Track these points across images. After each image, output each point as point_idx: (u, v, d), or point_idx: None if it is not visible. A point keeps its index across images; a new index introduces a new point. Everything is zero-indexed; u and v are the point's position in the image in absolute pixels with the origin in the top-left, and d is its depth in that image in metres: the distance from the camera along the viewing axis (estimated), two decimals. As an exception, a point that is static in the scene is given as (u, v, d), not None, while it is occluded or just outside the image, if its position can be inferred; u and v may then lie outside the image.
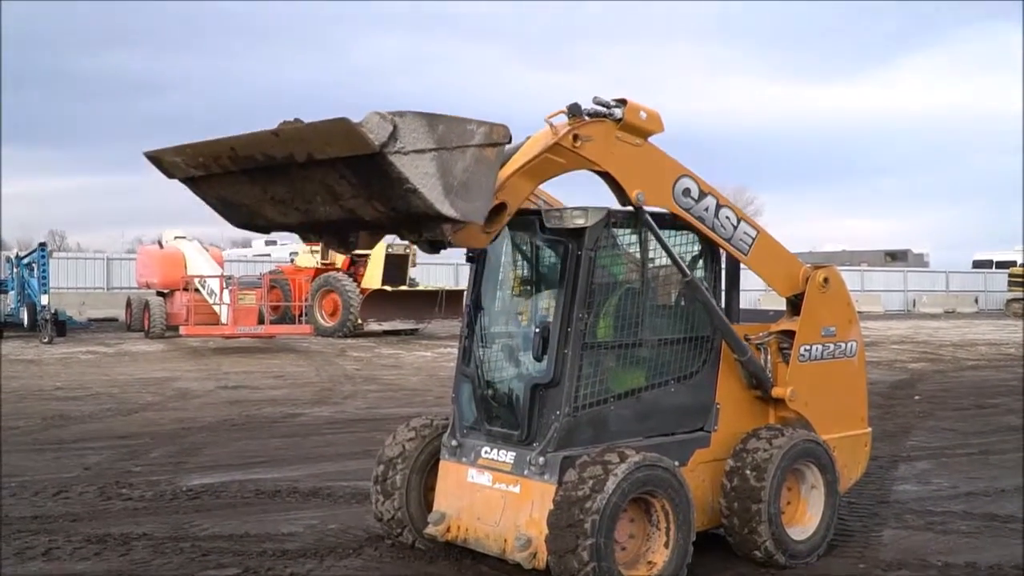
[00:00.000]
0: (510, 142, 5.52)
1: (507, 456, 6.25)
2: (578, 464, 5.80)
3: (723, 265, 7.01)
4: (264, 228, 6.21)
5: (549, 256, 6.54)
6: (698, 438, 6.75)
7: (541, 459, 6.02)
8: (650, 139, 6.44)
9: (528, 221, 6.41)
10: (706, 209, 6.69)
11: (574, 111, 6.03)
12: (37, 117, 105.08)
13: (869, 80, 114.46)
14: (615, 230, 6.33)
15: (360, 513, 7.89)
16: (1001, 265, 55.48)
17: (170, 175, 6.00)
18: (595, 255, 6.14)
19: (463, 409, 6.69)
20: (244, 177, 5.60)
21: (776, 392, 7.04)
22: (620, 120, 6.17)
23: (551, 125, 6.04)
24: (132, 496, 8.65)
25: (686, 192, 6.58)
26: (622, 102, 6.21)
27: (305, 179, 5.32)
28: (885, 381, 17.98)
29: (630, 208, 6.31)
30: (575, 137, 5.99)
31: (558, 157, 6.03)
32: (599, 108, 6.15)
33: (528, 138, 6.14)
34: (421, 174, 4.95)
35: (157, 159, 5.96)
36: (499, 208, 5.92)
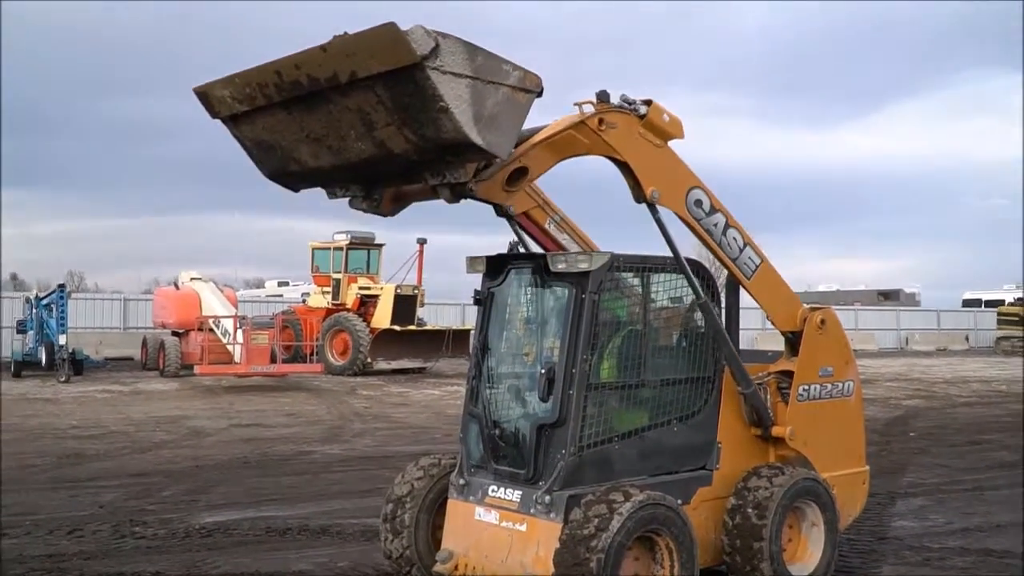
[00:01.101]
0: (541, 93, 5.54)
1: (514, 495, 6.18)
2: (583, 503, 5.74)
3: (723, 307, 6.98)
4: (296, 176, 6.16)
5: (554, 299, 6.51)
6: (700, 476, 6.69)
7: (547, 498, 5.96)
8: (670, 145, 6.53)
9: (534, 264, 6.41)
10: (715, 224, 6.73)
11: (602, 98, 6.16)
12: (55, 161, 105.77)
13: (860, 126, 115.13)
14: (618, 274, 6.33)
15: (369, 551, 7.82)
16: (990, 304, 55.46)
17: (214, 113, 6.03)
18: (599, 298, 6.12)
19: (470, 448, 6.64)
20: (283, 112, 5.64)
21: (776, 431, 6.98)
22: (644, 116, 6.27)
23: (580, 107, 6.14)
24: (145, 534, 8.58)
25: (698, 203, 6.62)
26: (648, 102, 6.33)
27: (342, 109, 5.35)
28: (880, 418, 17.87)
29: (643, 205, 6.32)
30: (600, 120, 6.10)
31: (582, 136, 6.13)
32: (625, 103, 6.25)
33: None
34: (455, 95, 4.98)
35: (204, 94, 5.99)
36: (521, 172, 6.09)
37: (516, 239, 6.97)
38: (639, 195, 6.32)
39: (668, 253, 6.43)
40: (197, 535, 8.57)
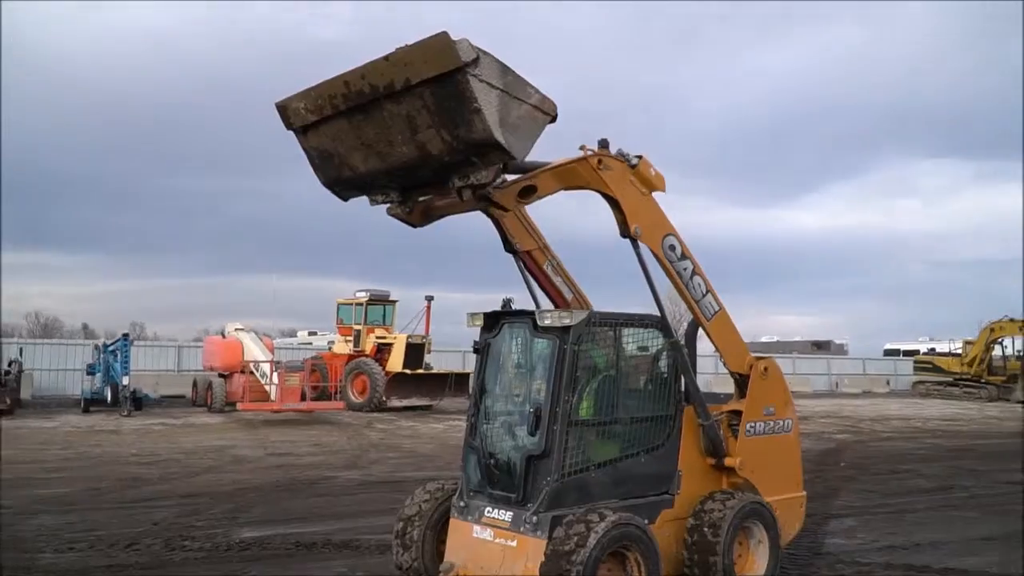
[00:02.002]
0: (555, 118, 5.65)
1: (506, 515, 6.14)
2: (565, 523, 5.71)
3: (684, 355, 6.99)
4: (347, 182, 6.19)
5: (541, 348, 6.52)
6: (664, 500, 6.65)
7: (534, 518, 5.92)
8: (654, 196, 6.67)
9: (524, 320, 6.44)
10: (684, 269, 6.80)
11: (603, 144, 6.33)
12: (125, 229, 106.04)
13: (798, 204, 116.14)
14: (594, 329, 6.35)
15: (384, 563, 7.70)
16: (908, 353, 55.46)
17: (289, 124, 6.11)
18: (578, 348, 6.14)
19: (469, 475, 6.60)
20: (344, 121, 5.74)
21: (728, 462, 6.97)
22: (634, 166, 6.41)
23: (584, 149, 6.27)
24: (193, 547, 8.46)
25: (672, 248, 6.70)
26: (639, 156, 6.47)
27: (393, 116, 5.45)
28: (815, 450, 17.77)
29: (627, 240, 6.45)
30: (599, 161, 6.24)
31: (583, 171, 6.26)
32: (620, 154, 6.41)
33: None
34: (486, 101, 5.11)
35: (284, 107, 6.08)
36: (531, 189, 6.24)
37: (508, 297, 6.99)
38: (624, 230, 6.43)
39: (632, 309, 6.48)
40: (237, 548, 8.45)
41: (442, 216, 6.55)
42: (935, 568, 7.97)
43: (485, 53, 5.09)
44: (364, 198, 6.39)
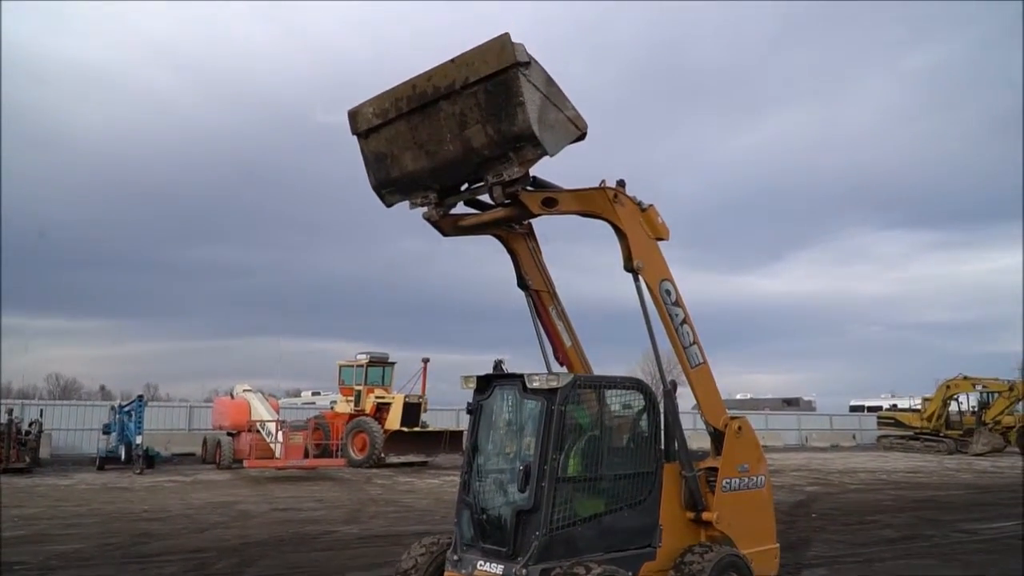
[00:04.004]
0: (585, 136, 5.82)
1: (497, 568, 6.05)
2: (553, 575, 5.61)
3: (675, 405, 6.93)
4: (395, 183, 6.35)
5: (530, 410, 6.51)
6: (646, 553, 6.57)
7: (524, 571, 5.83)
8: (659, 243, 6.81)
9: (514, 383, 6.42)
10: (676, 315, 6.86)
11: (620, 183, 6.54)
12: (141, 295, 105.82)
13: (766, 271, 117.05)
14: (580, 391, 6.34)
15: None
16: (872, 409, 55.35)
17: (355, 129, 6.33)
18: (565, 409, 6.12)
19: (463, 529, 6.51)
20: (403, 123, 5.95)
21: (706, 516, 6.91)
22: (644, 211, 6.62)
23: (603, 183, 6.48)
24: (200, 601, 8.25)
25: (667, 292, 6.77)
26: (651, 204, 6.70)
27: (448, 115, 5.66)
28: (787, 501, 17.58)
29: (629, 272, 6.60)
30: (616, 195, 6.44)
31: (599, 199, 6.45)
32: (634, 199, 6.64)
33: None
34: (530, 99, 5.35)
35: (354, 113, 6.31)
36: (553, 201, 6.35)
37: (499, 359, 7.00)
38: (628, 264, 6.55)
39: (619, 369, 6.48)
40: (241, 602, 8.25)
41: (469, 232, 6.74)
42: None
43: (536, 62, 5.40)
44: (404, 203, 6.57)
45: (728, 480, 7.18)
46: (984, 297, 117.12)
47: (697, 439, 7.75)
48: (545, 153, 5.62)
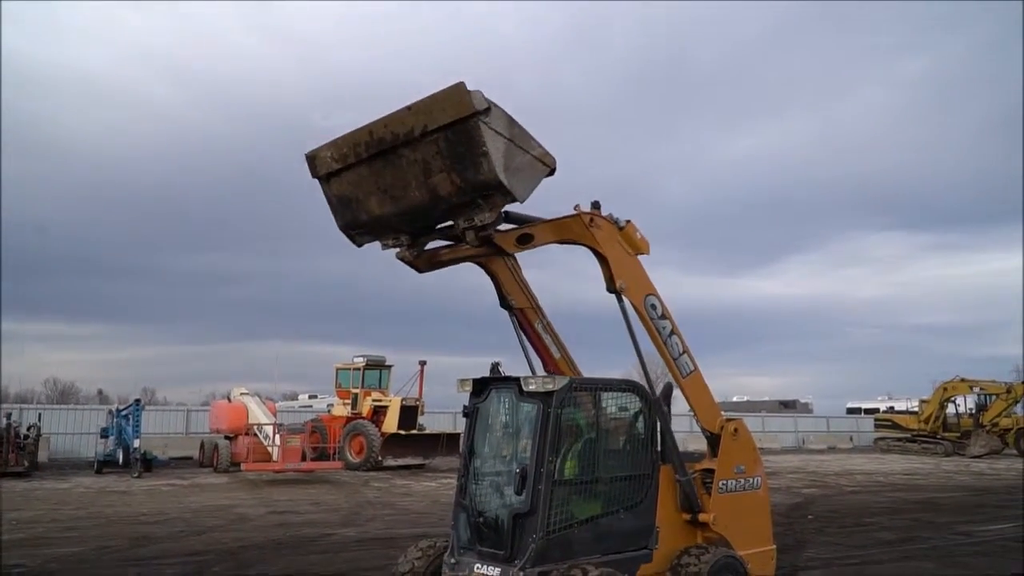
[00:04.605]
0: (554, 171, 5.74)
1: (494, 571, 6.05)
2: (550, 578, 5.61)
3: (665, 413, 6.97)
4: (363, 225, 6.22)
5: (526, 413, 6.52)
6: (643, 555, 6.57)
7: (521, 574, 5.84)
8: (639, 258, 6.73)
9: (510, 386, 6.43)
10: (663, 328, 6.82)
11: (595, 206, 6.42)
12: (140, 301, 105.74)
13: (763, 273, 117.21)
14: (576, 394, 6.34)
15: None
16: (868, 411, 55.34)
17: (315, 173, 6.17)
18: (561, 412, 6.13)
19: (460, 532, 6.51)
20: (365, 168, 5.81)
21: (702, 517, 6.91)
22: (622, 229, 6.50)
23: (577, 208, 6.35)
24: (197, 604, 8.23)
25: (652, 307, 6.73)
26: (628, 221, 6.57)
27: (411, 162, 5.53)
28: (784, 504, 17.58)
29: (612, 293, 6.51)
30: (591, 220, 6.32)
31: (575, 226, 6.34)
32: (610, 217, 6.53)
33: None
34: (494, 147, 5.22)
35: (313, 157, 6.15)
36: (529, 237, 6.31)
37: (496, 361, 7.01)
38: (611, 285, 6.49)
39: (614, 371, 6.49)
40: (239, 605, 8.24)
41: (445, 265, 6.67)
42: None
43: (496, 106, 5.27)
44: (376, 244, 6.48)
45: (724, 482, 7.19)
46: (981, 300, 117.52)
47: (695, 441, 7.76)
48: (515, 200, 5.54)
